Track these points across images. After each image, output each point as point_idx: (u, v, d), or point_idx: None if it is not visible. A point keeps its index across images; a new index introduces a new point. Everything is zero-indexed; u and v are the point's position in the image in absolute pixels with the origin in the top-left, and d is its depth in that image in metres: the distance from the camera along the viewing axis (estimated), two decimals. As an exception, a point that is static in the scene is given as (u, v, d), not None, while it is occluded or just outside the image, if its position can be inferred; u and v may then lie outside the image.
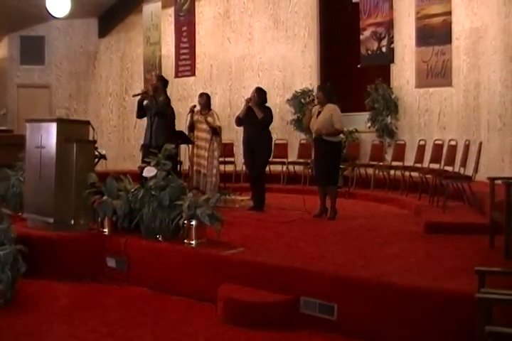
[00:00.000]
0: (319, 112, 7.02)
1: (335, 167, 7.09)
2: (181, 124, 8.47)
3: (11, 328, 4.03)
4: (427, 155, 8.87)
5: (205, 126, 8.19)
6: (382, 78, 10.74)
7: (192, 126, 8.33)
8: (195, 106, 8.35)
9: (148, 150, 6.74)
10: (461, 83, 9.41)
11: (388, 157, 10.12)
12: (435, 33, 9.17)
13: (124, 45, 14.58)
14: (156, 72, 12.54)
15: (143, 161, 6.74)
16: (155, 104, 7.71)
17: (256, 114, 7.56)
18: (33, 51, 14.15)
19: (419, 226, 6.20)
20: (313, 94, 10.73)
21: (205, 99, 8.38)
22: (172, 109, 7.96)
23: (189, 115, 8.30)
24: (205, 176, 8.17)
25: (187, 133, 8.27)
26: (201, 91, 10.39)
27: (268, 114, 7.64)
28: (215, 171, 8.23)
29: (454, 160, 7.86)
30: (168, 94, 8.07)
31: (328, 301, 3.96)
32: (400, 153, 9.76)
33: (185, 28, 12.47)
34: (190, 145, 8.38)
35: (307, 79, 11.98)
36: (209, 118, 8.19)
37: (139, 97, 7.94)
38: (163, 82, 7.97)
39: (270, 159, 8.24)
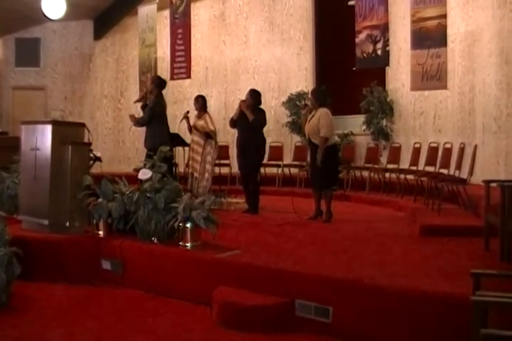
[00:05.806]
0: (312, 116, 7.03)
1: (329, 170, 7.01)
2: (174, 127, 8.45)
3: (5, 331, 4.01)
4: (422, 157, 8.88)
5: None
6: (378, 81, 10.77)
7: (191, 130, 8.34)
8: (188, 112, 8.32)
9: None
10: (457, 86, 9.43)
11: (383, 160, 10.13)
12: (430, 36, 9.17)
13: (120, 48, 14.58)
14: (152, 74, 12.50)
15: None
16: (149, 110, 7.62)
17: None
18: (28, 53, 14.13)
19: (414, 228, 6.20)
20: (308, 96, 10.74)
21: (201, 102, 8.34)
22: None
23: (184, 121, 8.25)
24: (197, 180, 8.16)
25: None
26: (197, 93, 10.36)
27: (260, 116, 7.57)
28: (207, 175, 8.17)
29: (449, 162, 7.87)
30: (164, 95, 8.01)
31: (324, 304, 3.96)
32: (395, 155, 9.78)
33: (180, 31, 12.44)
34: (187, 148, 8.39)
35: (302, 82, 12.00)
36: (200, 122, 8.15)
37: (141, 103, 7.93)
38: (158, 84, 7.85)
39: (264, 161, 8.20)
